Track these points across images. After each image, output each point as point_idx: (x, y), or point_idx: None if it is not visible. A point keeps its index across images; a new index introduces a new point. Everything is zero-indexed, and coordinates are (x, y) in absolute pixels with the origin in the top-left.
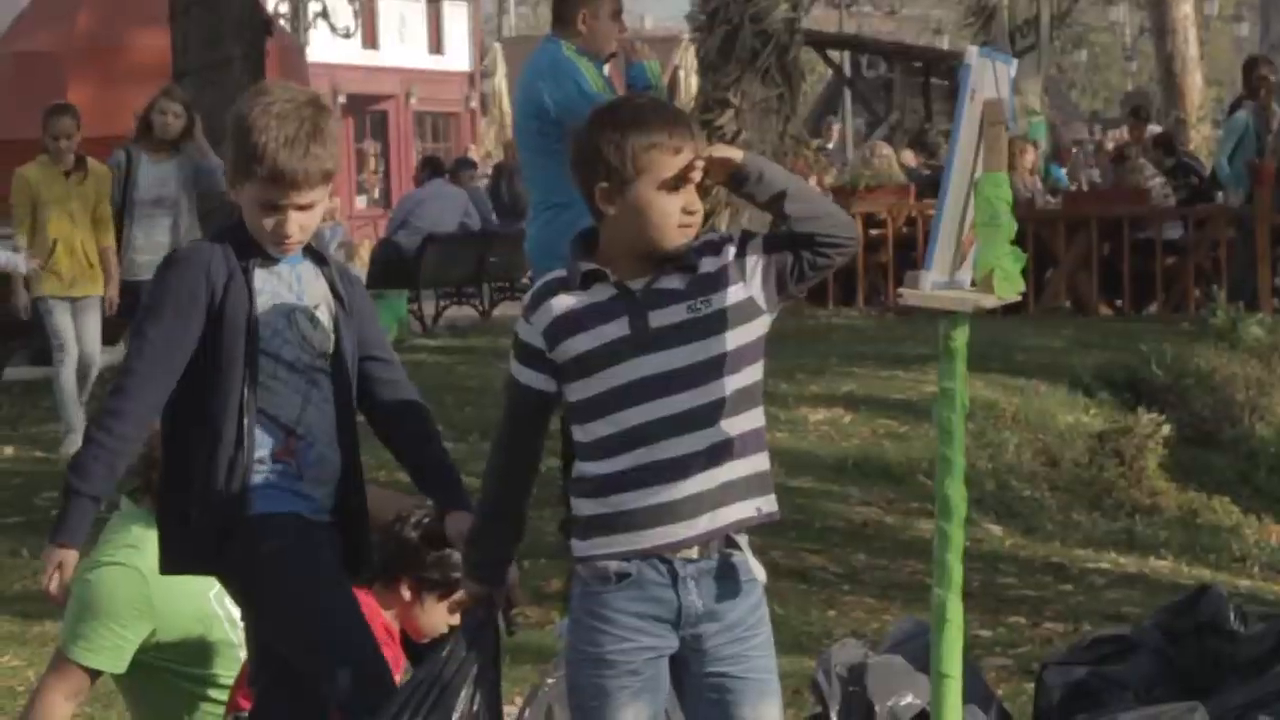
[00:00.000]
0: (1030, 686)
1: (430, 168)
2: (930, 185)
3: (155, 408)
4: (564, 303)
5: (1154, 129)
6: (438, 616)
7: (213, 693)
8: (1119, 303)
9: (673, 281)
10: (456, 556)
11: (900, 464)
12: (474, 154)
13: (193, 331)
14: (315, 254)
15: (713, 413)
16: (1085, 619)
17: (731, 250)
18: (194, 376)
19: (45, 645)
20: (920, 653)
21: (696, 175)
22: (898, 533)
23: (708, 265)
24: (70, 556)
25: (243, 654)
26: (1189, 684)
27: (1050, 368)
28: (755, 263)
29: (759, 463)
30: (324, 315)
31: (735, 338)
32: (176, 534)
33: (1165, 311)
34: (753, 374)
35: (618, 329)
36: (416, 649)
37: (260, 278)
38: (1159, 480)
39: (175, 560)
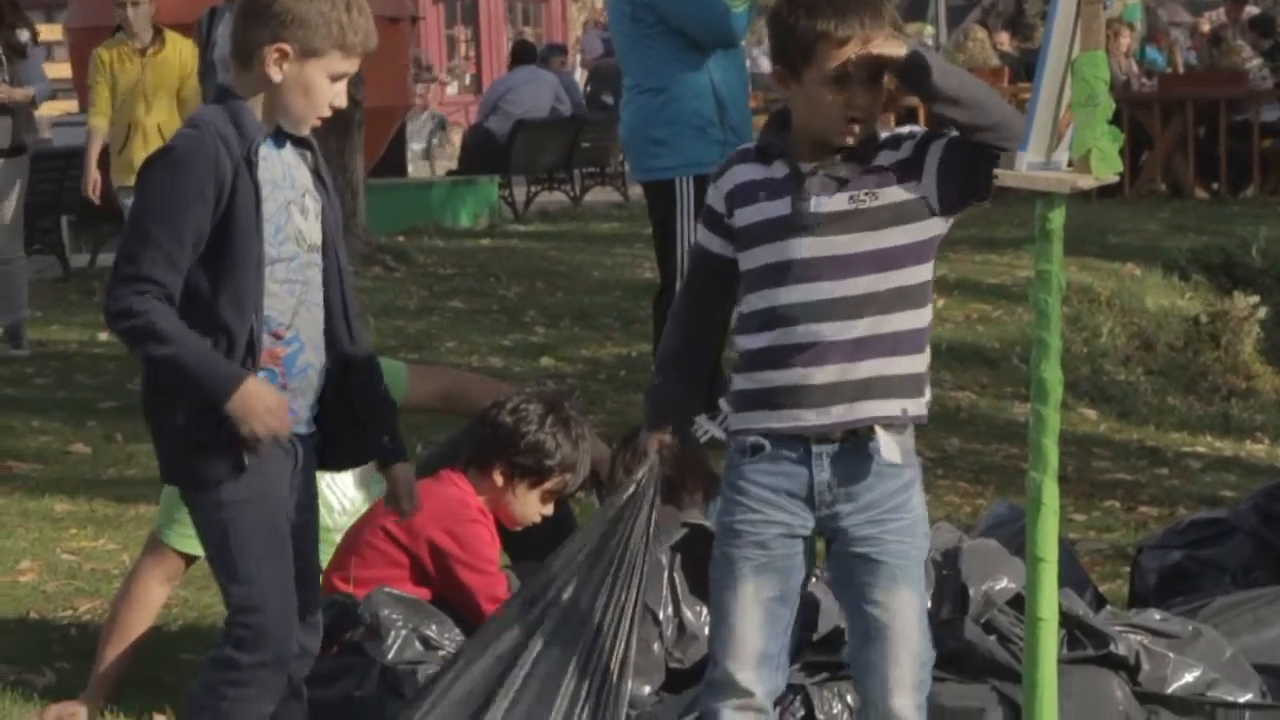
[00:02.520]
0: (1126, 570)
1: (521, 53)
2: (1025, 68)
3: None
4: (745, 172)
5: (1251, 10)
6: (530, 505)
7: None
8: (1215, 186)
9: (842, 170)
10: (551, 444)
11: (994, 348)
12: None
13: (203, 234)
14: (297, 137)
15: (860, 306)
16: (1181, 502)
17: (910, 147)
18: (201, 279)
19: (140, 529)
20: (1015, 537)
21: (857, 72)
22: (992, 417)
23: (882, 159)
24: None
25: (337, 538)
26: None
27: (1146, 251)
28: (933, 164)
29: (913, 364)
30: (311, 204)
31: (896, 235)
32: (171, 442)
33: (1262, 194)
34: (914, 274)
35: (781, 207)
36: (508, 537)
37: (260, 167)
38: (1255, 363)
39: (172, 470)
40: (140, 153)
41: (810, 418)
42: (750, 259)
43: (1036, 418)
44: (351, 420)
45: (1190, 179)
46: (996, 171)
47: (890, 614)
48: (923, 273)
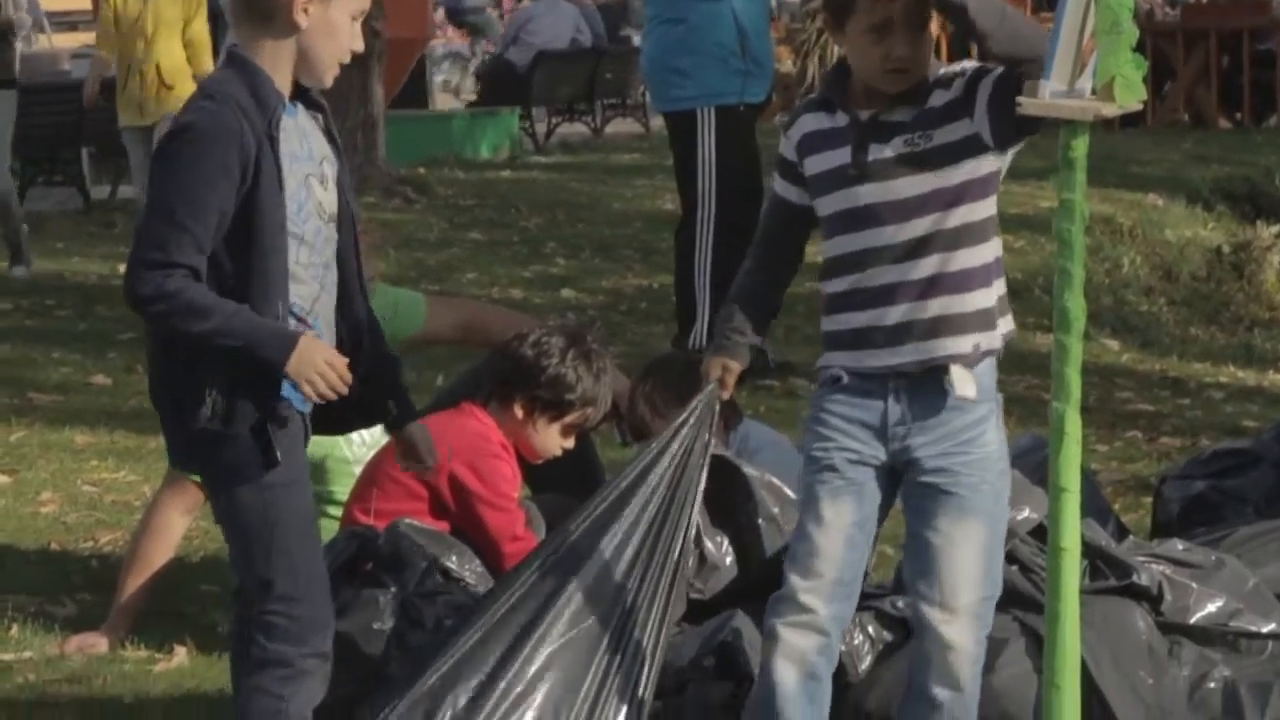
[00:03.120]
0: (1148, 501)
1: None
2: None
3: None
4: (811, 122)
5: None
6: (550, 439)
7: (328, 509)
8: (1238, 115)
9: (898, 114)
10: (572, 377)
11: (1016, 279)
12: None
13: (226, 214)
14: (309, 98)
15: (924, 246)
16: (1203, 433)
17: (961, 85)
18: (226, 266)
19: (161, 461)
20: (1037, 467)
21: (899, 21)
22: (1014, 348)
23: (935, 100)
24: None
25: (357, 469)
26: None
27: (1168, 181)
28: (984, 100)
29: (982, 299)
30: (328, 170)
31: (954, 174)
32: (200, 430)
33: None
34: (977, 210)
35: (841, 156)
36: (529, 469)
37: (279, 140)
38: (1277, 294)
39: (181, 455)
40: (139, 92)
41: (884, 357)
42: (822, 207)
43: (1059, 347)
44: (360, 384)
45: (1213, 109)
46: (1019, 100)
47: (952, 544)
48: (985, 208)
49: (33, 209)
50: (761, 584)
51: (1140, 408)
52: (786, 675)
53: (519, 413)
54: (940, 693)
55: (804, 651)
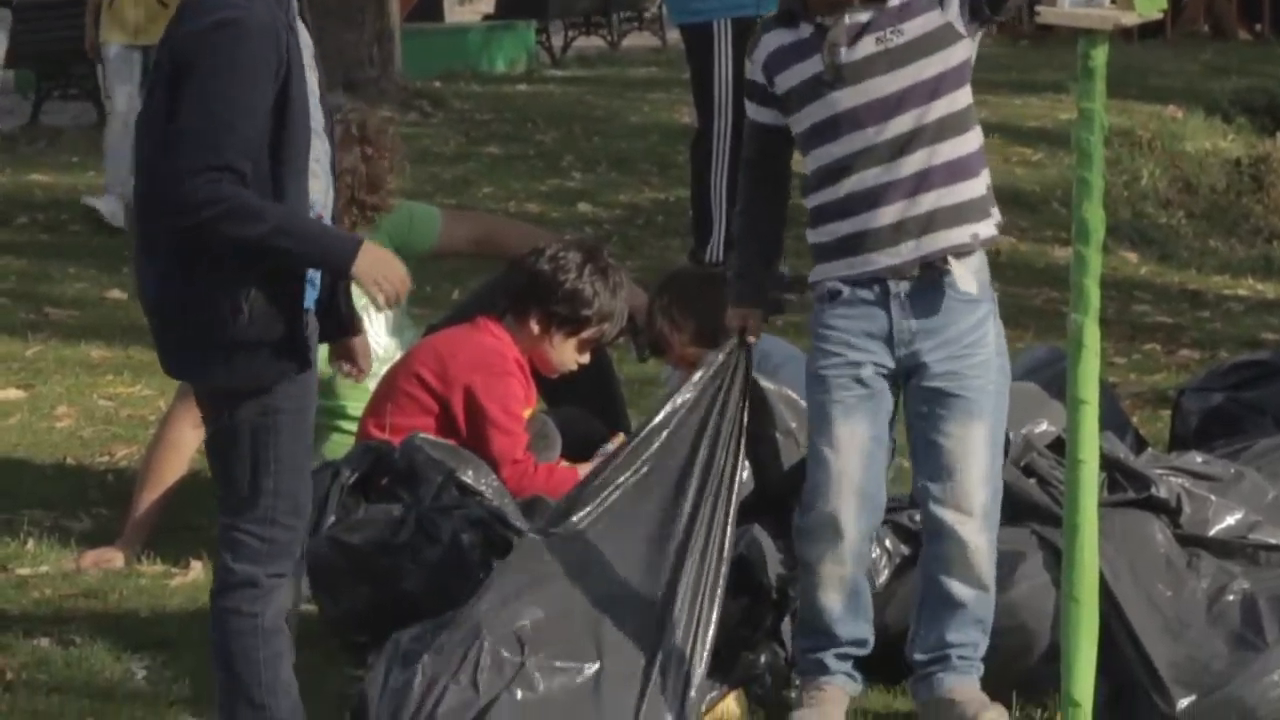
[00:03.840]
0: (1166, 413)
1: None
2: None
3: None
4: (774, 40)
5: None
6: (566, 354)
7: (342, 424)
8: (1258, 26)
9: (862, 15)
10: (589, 292)
11: (1034, 192)
12: None
13: (267, 111)
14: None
15: (909, 143)
16: (1222, 345)
17: None
18: (264, 162)
19: None
20: (1055, 379)
21: None
22: (1032, 261)
23: None
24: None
25: (371, 384)
26: None
27: (1188, 93)
28: None
29: (973, 188)
30: (316, 61)
31: (929, 67)
32: (215, 340)
33: None
34: (957, 100)
35: (813, 66)
36: (546, 383)
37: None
38: None
39: (185, 365)
40: (129, 10)
41: (882, 260)
42: (799, 122)
43: (1078, 259)
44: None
45: (1233, 19)
46: (1039, 9)
47: (963, 446)
48: (963, 97)
49: (48, 123)
50: (778, 498)
51: (1159, 320)
52: (833, 601)
53: (535, 328)
54: (964, 592)
55: (843, 577)
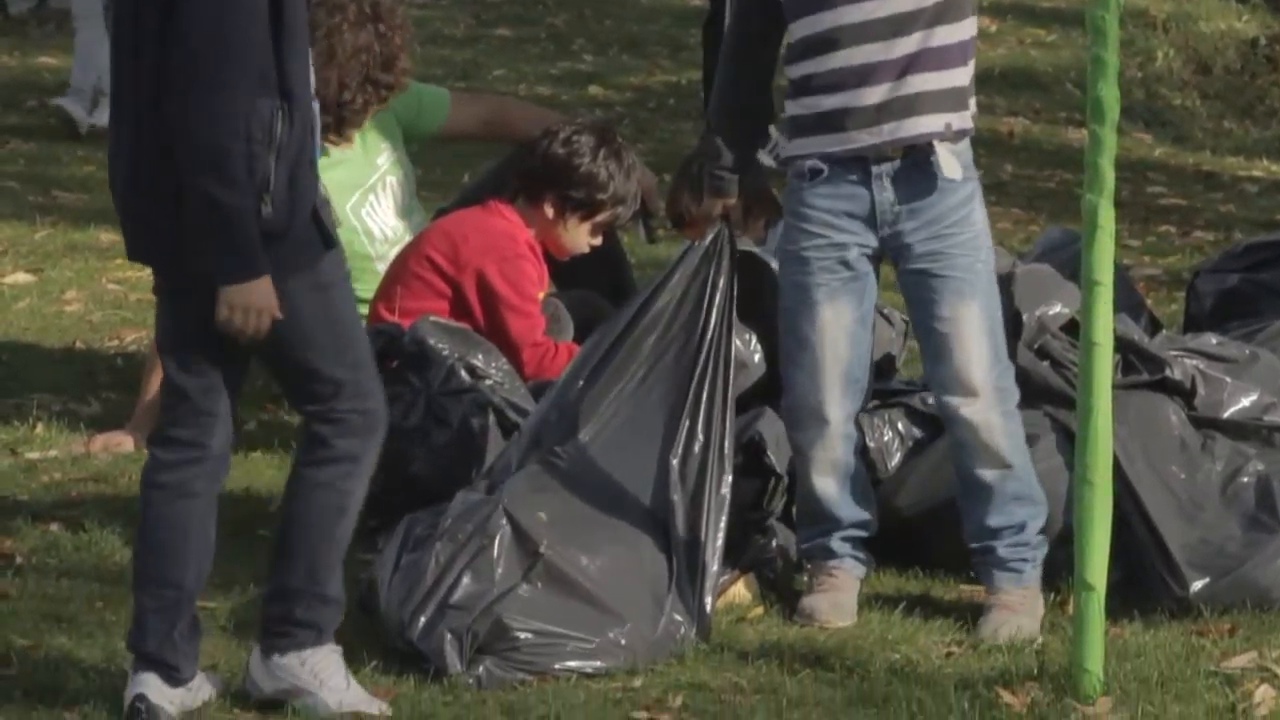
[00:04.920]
0: (1181, 295)
1: None
2: None
3: None
4: None
5: None
6: (579, 237)
7: None
8: None
9: None
10: (603, 176)
11: (1048, 73)
12: None
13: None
14: None
15: (903, 24)
16: (1236, 227)
17: None
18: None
19: None
20: (1069, 262)
21: None
22: (1045, 142)
23: None
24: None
25: (381, 267)
26: None
27: None
28: None
29: (956, 77)
30: None
31: None
32: (246, 232)
33: None
34: None
35: None
36: (556, 265)
37: None
38: None
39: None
40: None
41: (864, 138)
42: None
43: (1093, 138)
44: None
45: None
46: None
47: (957, 327)
48: None
49: (57, 6)
50: None
51: (1173, 202)
52: (828, 485)
53: (549, 211)
54: (987, 474)
55: (834, 461)
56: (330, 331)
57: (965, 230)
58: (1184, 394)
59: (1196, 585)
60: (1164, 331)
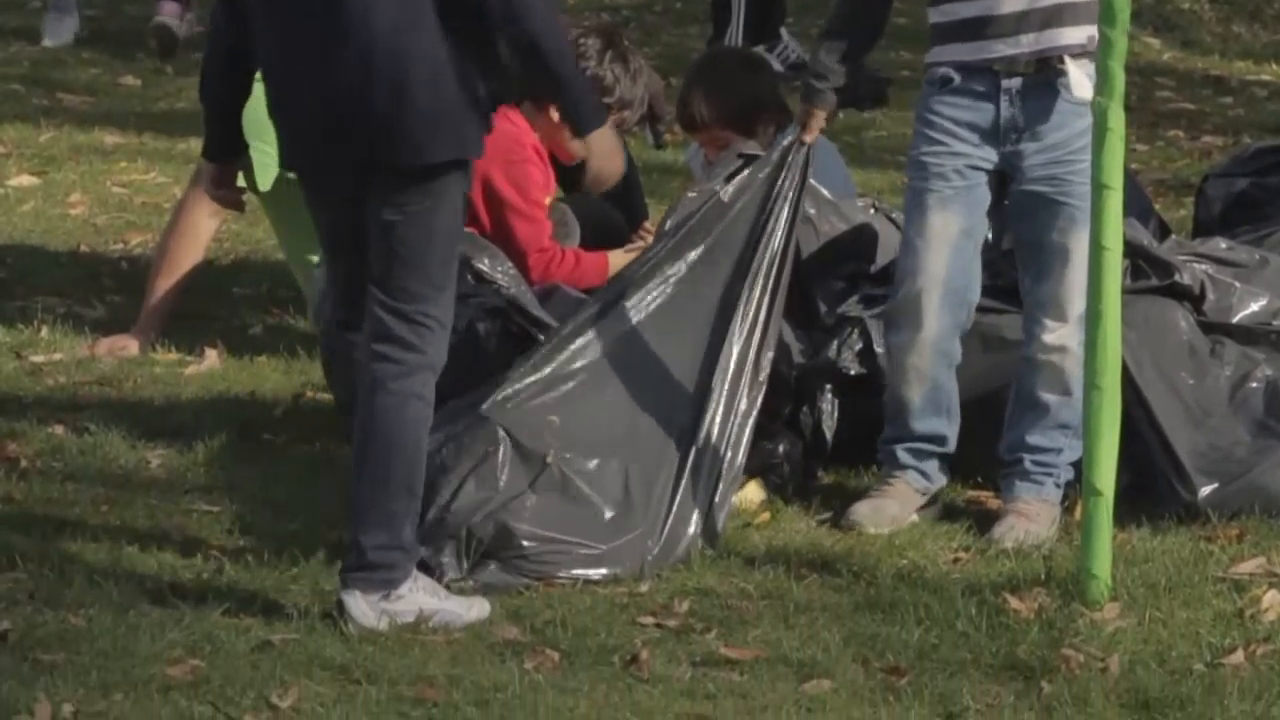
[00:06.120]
0: (1190, 200)
1: None
2: None
3: None
4: None
5: None
6: None
7: None
8: None
9: None
10: (610, 79)
11: None
12: None
13: None
14: None
15: None
16: (1245, 131)
17: None
18: None
19: (191, 162)
20: None
21: None
22: None
23: None
24: None
25: None
26: None
27: None
28: None
29: None
30: None
31: None
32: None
33: None
34: None
35: None
36: (563, 170)
37: None
38: None
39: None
40: None
41: (999, 48)
42: None
43: (1103, 41)
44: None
45: None
46: None
47: (1065, 253)
48: None
49: None
50: (798, 287)
51: (1182, 106)
52: (911, 393)
53: (554, 115)
54: (1049, 396)
55: (920, 369)
56: (456, 228)
57: (1085, 157)
58: (1193, 299)
59: (1204, 491)
60: (1173, 236)
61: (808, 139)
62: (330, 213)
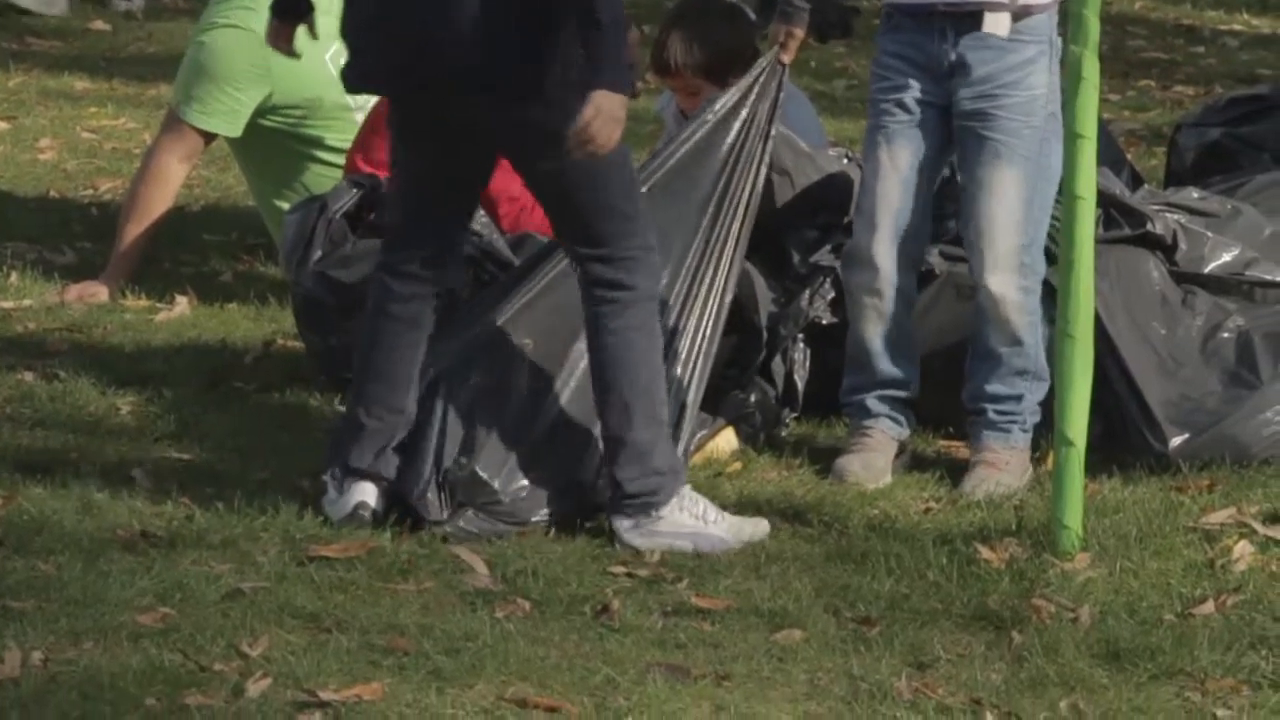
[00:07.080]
0: (1162, 150)
1: None
2: None
3: None
4: None
5: None
6: None
7: (325, 155)
8: None
9: None
10: None
11: None
12: None
13: None
14: None
15: None
16: (1218, 81)
17: None
18: None
19: (161, 108)
20: None
21: None
22: None
23: None
24: None
25: (360, 117)
26: None
27: None
28: None
29: None
30: None
31: None
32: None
33: None
34: None
35: None
36: None
37: None
38: None
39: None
40: None
41: None
42: None
43: None
44: None
45: None
46: None
47: (988, 190)
48: None
49: None
50: (771, 236)
51: (1154, 56)
52: (872, 335)
53: None
54: (997, 344)
55: (879, 309)
56: (626, 167)
57: (1019, 93)
58: (1165, 249)
59: (1176, 441)
60: (1145, 186)
61: (786, 59)
62: (423, 148)
